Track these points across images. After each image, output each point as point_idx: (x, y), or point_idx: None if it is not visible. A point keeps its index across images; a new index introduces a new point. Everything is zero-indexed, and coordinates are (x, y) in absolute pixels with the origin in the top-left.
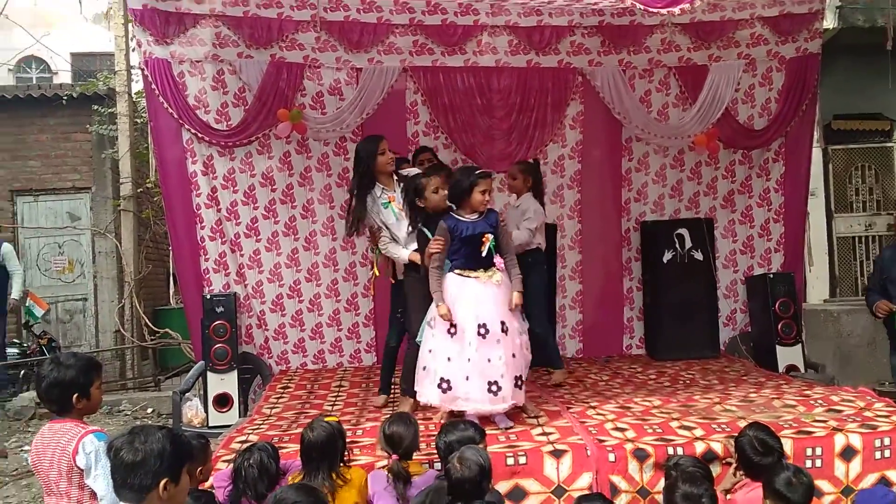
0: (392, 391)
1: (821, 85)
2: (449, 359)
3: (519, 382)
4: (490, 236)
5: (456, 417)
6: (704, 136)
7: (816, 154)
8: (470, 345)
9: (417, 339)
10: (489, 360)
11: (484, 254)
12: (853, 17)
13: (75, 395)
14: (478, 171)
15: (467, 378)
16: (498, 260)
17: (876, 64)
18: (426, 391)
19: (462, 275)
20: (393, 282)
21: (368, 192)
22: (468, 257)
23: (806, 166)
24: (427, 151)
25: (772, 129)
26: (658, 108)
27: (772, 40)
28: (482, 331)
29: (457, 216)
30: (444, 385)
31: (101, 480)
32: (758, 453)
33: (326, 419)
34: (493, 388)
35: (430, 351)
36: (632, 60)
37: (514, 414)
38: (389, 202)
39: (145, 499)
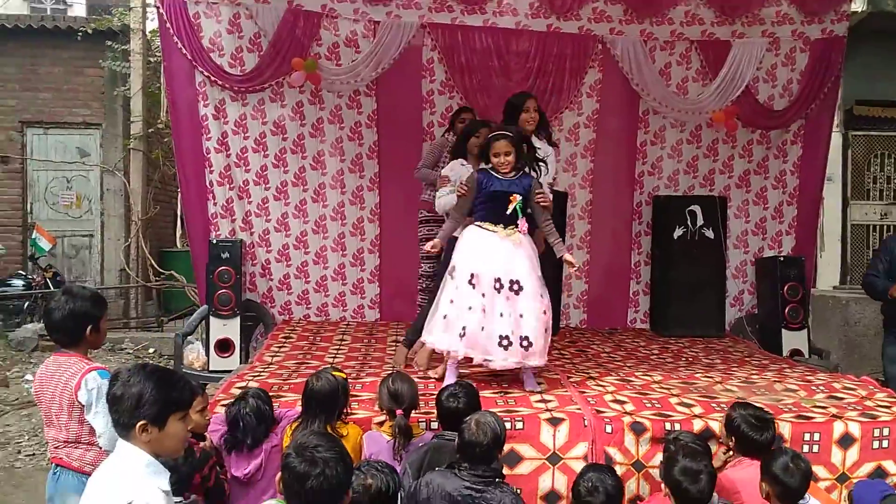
0: None
1: (845, 69)
2: (470, 308)
3: (524, 343)
4: (518, 197)
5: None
6: (723, 113)
7: (836, 139)
8: (484, 296)
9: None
10: (500, 315)
11: (508, 212)
12: (883, 1)
13: (89, 327)
14: (491, 134)
15: (482, 328)
16: (521, 222)
17: None
18: (444, 339)
19: (482, 227)
20: None
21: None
22: (492, 212)
23: (824, 150)
24: (468, 111)
25: (792, 111)
26: (677, 82)
27: (797, 20)
28: (497, 285)
29: (491, 171)
30: (463, 332)
31: (100, 417)
32: (755, 429)
33: (334, 372)
34: (504, 342)
35: (451, 301)
36: (654, 31)
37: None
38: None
39: (128, 437)
